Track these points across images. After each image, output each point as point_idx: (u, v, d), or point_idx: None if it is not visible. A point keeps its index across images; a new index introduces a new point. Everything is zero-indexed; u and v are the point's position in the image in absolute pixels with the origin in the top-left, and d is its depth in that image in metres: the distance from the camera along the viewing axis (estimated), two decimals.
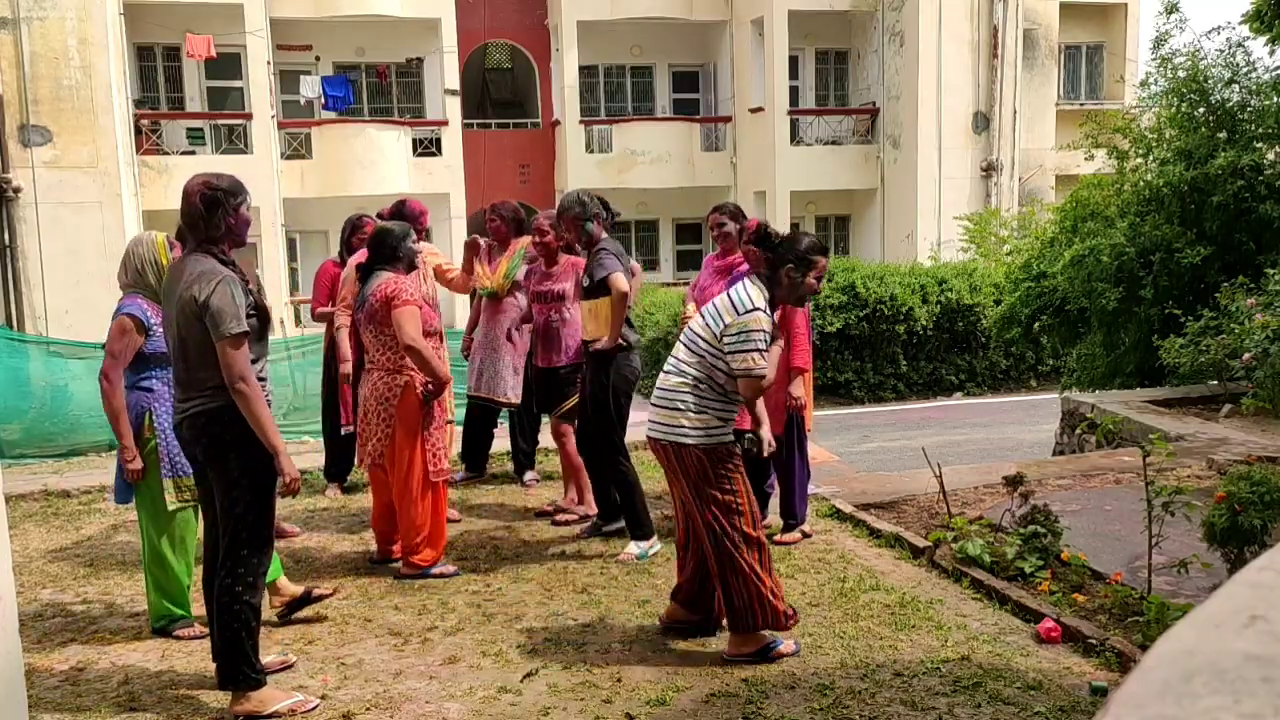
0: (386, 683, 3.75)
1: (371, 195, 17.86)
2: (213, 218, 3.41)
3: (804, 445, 5.36)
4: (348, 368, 5.92)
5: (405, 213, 5.91)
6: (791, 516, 5.32)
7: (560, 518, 5.76)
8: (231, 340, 3.29)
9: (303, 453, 7.42)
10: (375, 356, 4.81)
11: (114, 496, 4.38)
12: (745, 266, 5.71)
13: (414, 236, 5.06)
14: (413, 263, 4.94)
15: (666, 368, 3.95)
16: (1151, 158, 9.60)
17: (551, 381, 5.72)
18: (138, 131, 17.41)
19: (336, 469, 6.56)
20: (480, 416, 6.73)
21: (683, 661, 3.88)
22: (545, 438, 6.77)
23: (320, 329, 6.82)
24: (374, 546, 5.37)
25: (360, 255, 5.63)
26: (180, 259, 3.51)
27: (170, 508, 4.11)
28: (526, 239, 6.12)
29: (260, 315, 3.49)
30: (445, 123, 19.54)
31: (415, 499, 4.78)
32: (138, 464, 4.06)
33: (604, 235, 5.25)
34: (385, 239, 4.87)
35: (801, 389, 5.14)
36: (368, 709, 3.55)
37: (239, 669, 3.48)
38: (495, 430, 7.00)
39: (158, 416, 4.10)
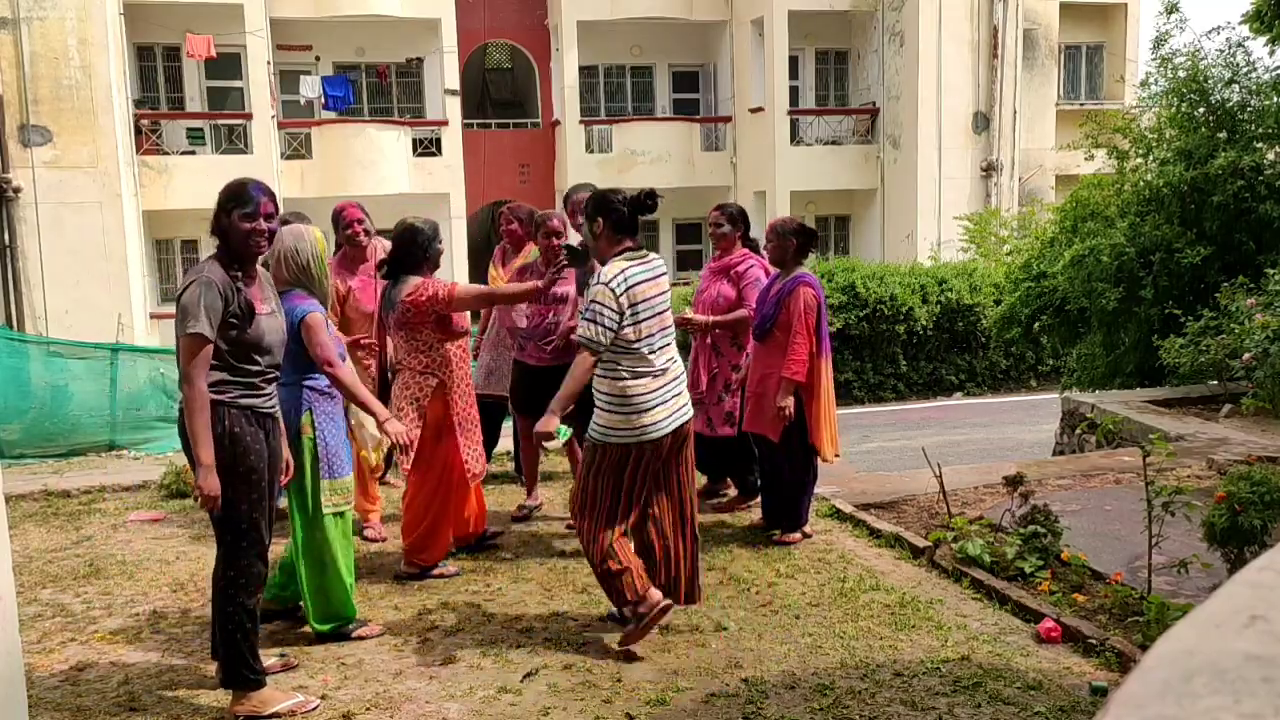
0: (386, 683, 3.75)
1: (372, 195, 17.84)
2: (218, 219, 3.47)
3: (808, 451, 5.25)
4: None
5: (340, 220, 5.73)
6: (794, 518, 5.31)
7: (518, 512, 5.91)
8: (186, 339, 3.26)
9: None
10: (405, 359, 4.74)
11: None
12: (743, 266, 5.64)
13: (440, 238, 4.94)
14: (437, 262, 4.85)
15: (672, 356, 4.02)
16: (1151, 158, 9.60)
17: (547, 383, 5.53)
18: (138, 131, 17.41)
19: None
20: (484, 416, 6.71)
21: (683, 661, 3.88)
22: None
23: None
24: (372, 547, 5.38)
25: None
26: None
27: (325, 510, 4.00)
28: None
29: (242, 321, 3.38)
30: (445, 123, 19.54)
31: (424, 499, 4.76)
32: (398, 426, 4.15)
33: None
34: (416, 239, 4.70)
35: (789, 399, 5.03)
36: (368, 709, 3.55)
37: (238, 670, 3.49)
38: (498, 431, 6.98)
39: (318, 415, 4.03)
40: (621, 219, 3.97)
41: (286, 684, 3.73)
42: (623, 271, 3.83)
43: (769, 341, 5.20)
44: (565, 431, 4.00)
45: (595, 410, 3.94)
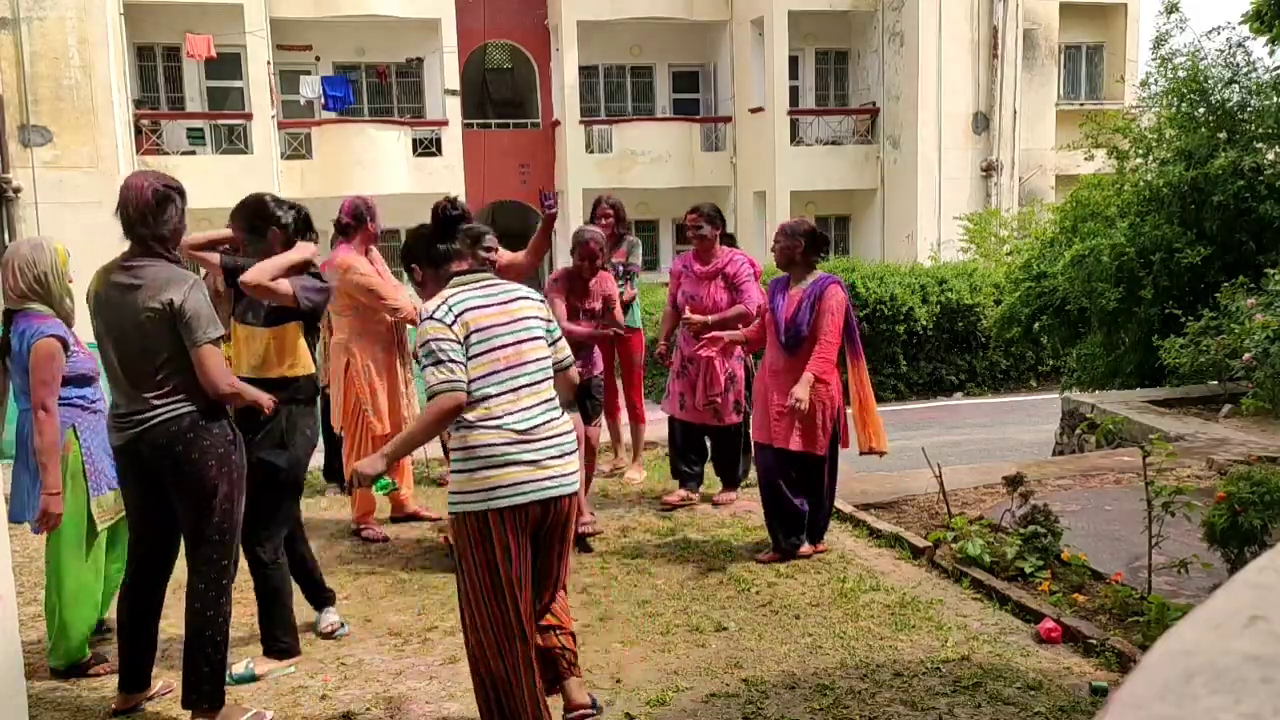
0: (386, 683, 3.75)
1: (372, 195, 17.84)
2: (163, 214, 3.28)
3: (835, 464, 5.10)
4: None
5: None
6: (819, 535, 5.14)
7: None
8: (211, 345, 3.24)
9: None
10: None
11: (30, 518, 3.79)
12: (733, 268, 5.73)
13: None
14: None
15: (547, 409, 3.14)
16: (1151, 158, 9.61)
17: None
18: (138, 131, 17.41)
19: (335, 468, 6.55)
20: None
21: (683, 661, 3.89)
22: None
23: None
24: (372, 547, 5.40)
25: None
26: (128, 263, 3.27)
27: (100, 526, 3.85)
28: None
29: None
30: (445, 123, 19.54)
31: None
32: (59, 506, 3.64)
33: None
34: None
35: (804, 391, 4.73)
36: (368, 709, 3.55)
37: (218, 685, 3.36)
38: None
39: (82, 432, 3.83)
40: (432, 249, 3.32)
41: (286, 683, 3.74)
42: (444, 300, 3.10)
43: (800, 352, 4.89)
44: (387, 484, 3.22)
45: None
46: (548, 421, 3.12)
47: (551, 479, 3.07)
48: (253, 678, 3.77)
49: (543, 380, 3.16)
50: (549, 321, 3.27)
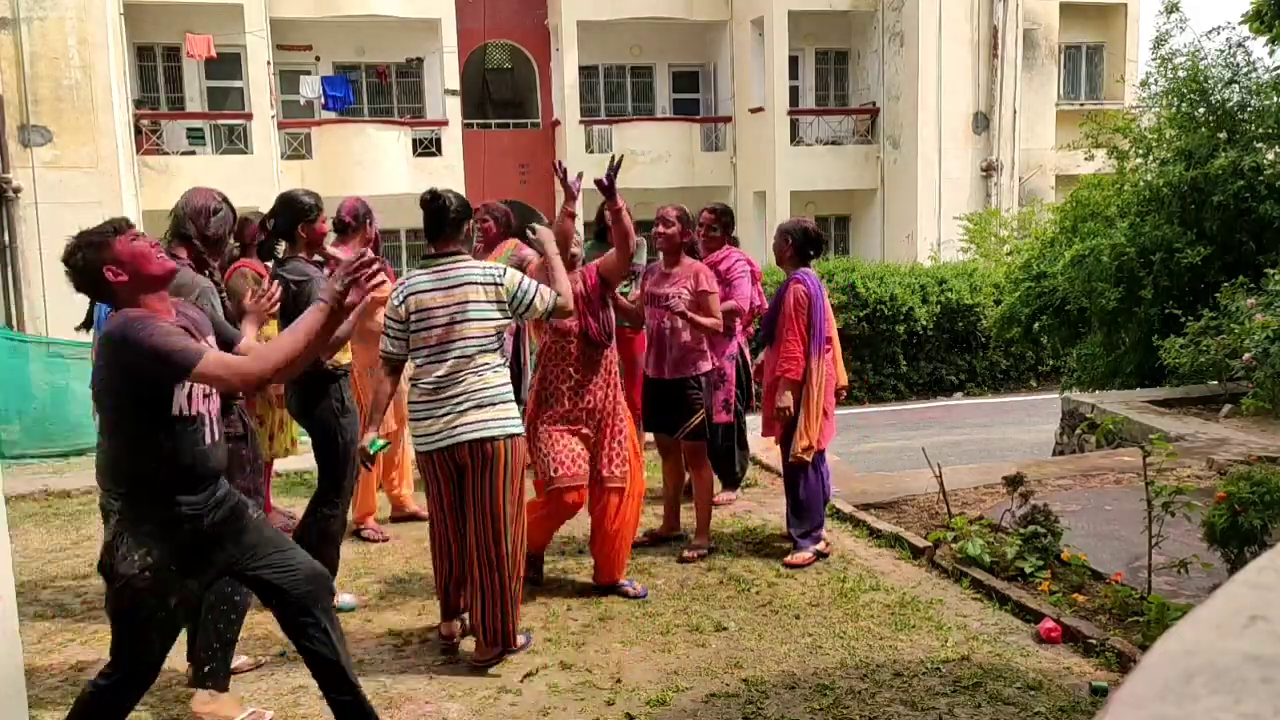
0: (386, 683, 3.75)
1: (372, 195, 17.77)
2: (217, 218, 3.72)
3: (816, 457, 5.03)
4: None
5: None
6: (804, 531, 5.10)
7: (689, 554, 5.12)
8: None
9: (302, 454, 7.40)
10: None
11: None
12: (726, 265, 5.70)
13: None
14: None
15: (467, 373, 3.74)
16: (1151, 158, 9.61)
17: (663, 396, 5.18)
18: (138, 131, 17.40)
19: None
20: None
21: (683, 661, 3.89)
22: None
23: None
24: (371, 547, 5.38)
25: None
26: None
27: None
28: (514, 240, 5.81)
29: None
30: (445, 123, 19.53)
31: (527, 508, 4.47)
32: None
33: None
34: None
35: (786, 396, 4.86)
36: None
37: (226, 663, 3.46)
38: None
39: None
40: (426, 225, 3.87)
41: (288, 683, 3.74)
42: (403, 281, 3.85)
43: (774, 346, 5.08)
44: (379, 444, 3.79)
45: None
46: (459, 382, 3.71)
47: (451, 430, 3.70)
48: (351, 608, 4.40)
49: (476, 353, 3.73)
50: (501, 304, 3.77)
